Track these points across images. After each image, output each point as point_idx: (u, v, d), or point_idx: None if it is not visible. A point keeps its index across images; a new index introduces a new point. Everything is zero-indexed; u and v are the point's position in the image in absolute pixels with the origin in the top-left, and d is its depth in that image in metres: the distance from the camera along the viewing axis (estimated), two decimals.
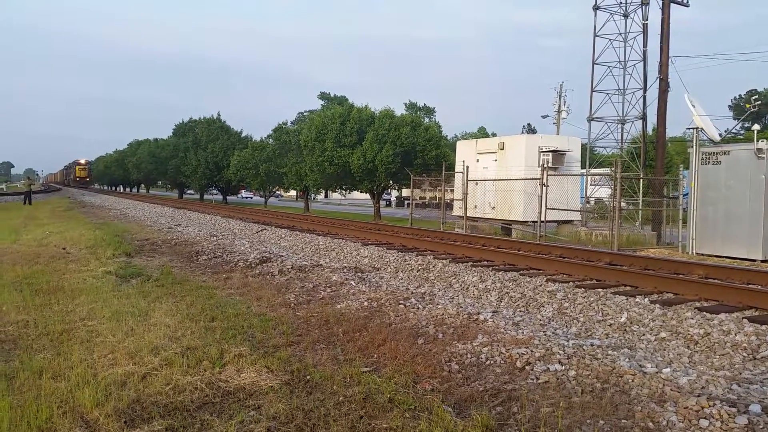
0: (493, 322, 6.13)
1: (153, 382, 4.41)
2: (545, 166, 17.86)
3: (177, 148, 54.04)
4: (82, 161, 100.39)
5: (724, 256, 13.44)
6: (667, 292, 7.86)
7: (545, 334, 5.69)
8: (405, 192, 50.96)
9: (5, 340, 5.66)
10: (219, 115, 53.39)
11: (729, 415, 3.73)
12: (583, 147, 23.40)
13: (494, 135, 49.14)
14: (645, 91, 22.76)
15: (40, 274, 9.30)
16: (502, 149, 20.42)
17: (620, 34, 23.77)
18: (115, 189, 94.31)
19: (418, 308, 6.83)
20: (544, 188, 16.81)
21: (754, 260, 12.83)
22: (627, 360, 4.84)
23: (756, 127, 14.73)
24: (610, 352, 5.08)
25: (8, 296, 7.54)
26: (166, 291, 8.04)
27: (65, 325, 6.10)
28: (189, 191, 64.25)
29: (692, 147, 14.83)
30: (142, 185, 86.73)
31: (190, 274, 9.80)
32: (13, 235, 15.98)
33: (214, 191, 55.92)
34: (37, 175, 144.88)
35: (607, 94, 24.08)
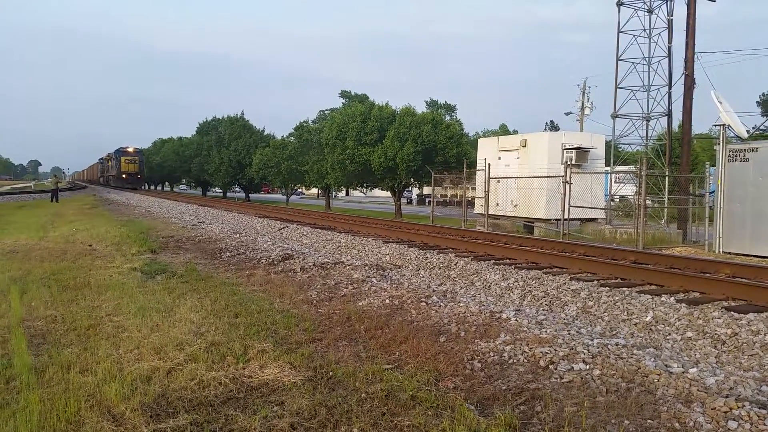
0: (516, 320, 6.09)
1: (178, 377, 4.46)
2: (568, 163, 17.68)
3: (200, 146, 54.71)
4: (130, 149, 68.29)
5: (752, 255, 13.19)
6: (694, 291, 7.73)
7: (569, 333, 5.64)
8: (426, 190, 50.84)
9: (35, 335, 5.77)
10: (243, 113, 53.87)
11: (759, 416, 3.66)
12: (608, 144, 23.13)
13: (516, 132, 48.84)
14: (670, 88, 22.42)
15: (67, 270, 9.47)
16: (525, 147, 20.26)
17: (645, 30, 23.45)
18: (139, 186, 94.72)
19: (440, 306, 6.81)
20: (568, 186, 16.64)
21: None
22: (652, 359, 4.77)
23: None
24: (635, 351, 5.01)
25: (37, 292, 7.68)
26: (190, 287, 8.13)
27: (92, 321, 6.20)
28: (212, 189, 64.91)
29: (719, 144, 14.57)
30: (166, 183, 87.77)
31: (213, 271, 9.89)
32: (40, 231, 16.29)
33: (237, 189, 56.39)
34: (63, 173, 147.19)
35: (632, 90, 23.78)
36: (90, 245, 12.87)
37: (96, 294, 7.60)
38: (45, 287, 8.02)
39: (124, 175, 65.98)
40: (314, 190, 61.49)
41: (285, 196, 49.53)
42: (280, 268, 9.98)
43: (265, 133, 52.42)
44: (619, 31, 23.87)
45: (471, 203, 23.00)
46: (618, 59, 23.87)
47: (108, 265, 10.07)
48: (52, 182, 43.65)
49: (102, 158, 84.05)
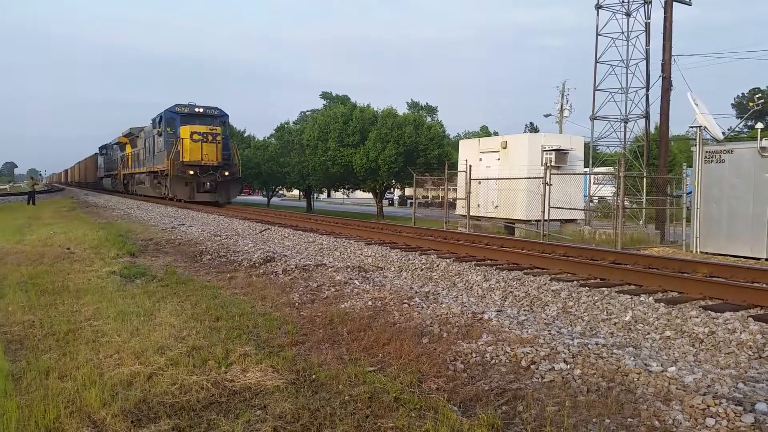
0: (498, 321, 6.14)
1: (159, 382, 4.42)
2: (548, 164, 17.85)
3: None
4: (200, 109, 30.74)
5: (728, 255, 13.43)
6: (672, 291, 7.85)
7: (550, 333, 5.69)
8: (408, 191, 50.98)
9: (12, 341, 5.68)
10: None
11: (735, 413, 3.72)
12: (586, 146, 23.42)
13: (496, 134, 49.16)
14: (648, 90, 22.78)
15: (45, 274, 9.33)
16: (505, 148, 20.42)
17: (623, 32, 23.79)
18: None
19: (423, 307, 6.83)
20: (547, 187, 16.79)
21: (758, 258, 12.82)
22: (632, 359, 4.83)
23: (760, 125, 14.71)
24: (615, 350, 5.08)
25: (13, 296, 7.56)
26: (170, 291, 8.06)
27: (71, 325, 6.12)
28: None
29: (695, 145, 14.81)
30: None
31: (194, 274, 9.81)
32: (17, 235, 16.02)
33: None
34: (40, 175, 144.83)
35: (610, 92, 24.10)
36: (68, 248, 12.68)
37: (75, 298, 7.50)
38: (22, 292, 7.89)
39: (191, 171, 28.90)
40: (295, 192, 61.36)
41: (266, 198, 49.30)
42: (261, 271, 9.93)
43: (246, 134, 52.16)
44: (597, 34, 24.18)
45: (453, 205, 23.10)
46: (596, 62, 24.17)
47: (86, 268, 9.94)
48: (28, 184, 42.98)
49: (106, 145, 51.08)
